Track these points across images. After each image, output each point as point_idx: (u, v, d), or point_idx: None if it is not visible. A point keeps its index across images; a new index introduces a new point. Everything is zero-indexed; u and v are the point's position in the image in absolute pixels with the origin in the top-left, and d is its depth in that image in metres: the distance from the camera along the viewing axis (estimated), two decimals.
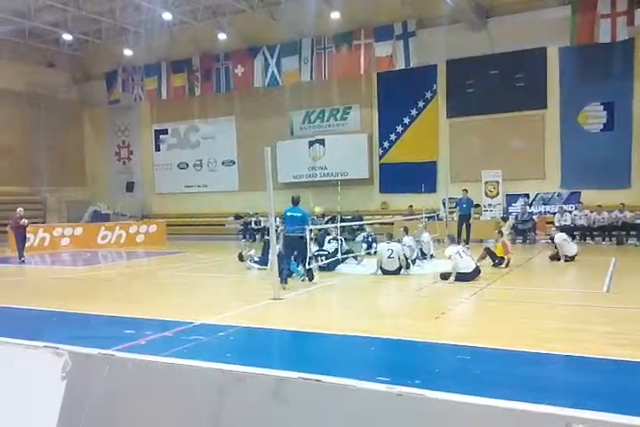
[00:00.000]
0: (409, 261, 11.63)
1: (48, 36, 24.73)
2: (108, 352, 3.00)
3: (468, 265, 10.21)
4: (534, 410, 2.17)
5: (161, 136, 27.22)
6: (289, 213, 10.78)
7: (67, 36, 23.98)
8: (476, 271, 10.22)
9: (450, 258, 10.22)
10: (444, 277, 10.22)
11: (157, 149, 27.37)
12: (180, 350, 5.82)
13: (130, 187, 27.66)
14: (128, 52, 24.29)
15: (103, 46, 25.58)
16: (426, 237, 13.29)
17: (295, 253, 10.76)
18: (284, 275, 10.09)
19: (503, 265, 11.56)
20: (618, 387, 4.60)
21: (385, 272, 11.28)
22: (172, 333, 6.70)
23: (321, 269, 11.78)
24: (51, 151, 26.14)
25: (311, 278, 10.60)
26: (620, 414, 2.03)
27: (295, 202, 10.97)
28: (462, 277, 10.03)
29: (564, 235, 12.84)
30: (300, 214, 10.73)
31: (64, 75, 27.48)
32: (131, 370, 2.88)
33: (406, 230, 12.99)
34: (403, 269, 11.33)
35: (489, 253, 11.86)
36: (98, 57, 26.74)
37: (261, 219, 20.83)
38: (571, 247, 12.69)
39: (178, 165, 26.81)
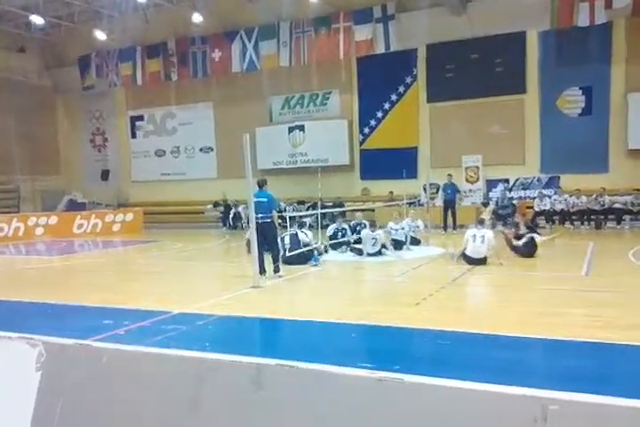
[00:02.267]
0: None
1: (18, 19, 24.00)
2: (83, 342, 2.93)
3: (475, 251, 10.26)
4: (510, 392, 2.17)
5: (137, 123, 26.75)
6: (254, 199, 9.62)
7: (38, 20, 23.27)
8: (482, 260, 10.22)
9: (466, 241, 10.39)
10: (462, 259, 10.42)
11: (133, 135, 26.91)
12: (158, 339, 5.75)
13: (105, 175, 27.20)
14: (102, 37, 23.71)
15: (76, 30, 24.96)
16: (420, 223, 13.30)
17: (265, 240, 9.96)
18: (275, 262, 9.92)
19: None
20: (593, 368, 4.66)
21: (368, 254, 11.67)
22: (150, 322, 6.62)
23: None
24: (23, 139, 25.53)
25: (277, 270, 9.90)
26: (596, 395, 2.04)
27: (260, 185, 10.11)
28: (465, 258, 10.33)
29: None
30: (265, 199, 9.91)
31: (35, 60, 26.79)
32: (107, 360, 2.81)
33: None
34: (384, 250, 11.61)
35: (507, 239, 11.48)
36: (70, 41, 26.08)
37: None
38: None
39: (155, 153, 26.42)
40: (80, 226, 20.72)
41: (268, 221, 9.86)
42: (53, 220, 20.66)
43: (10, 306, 8.19)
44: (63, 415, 2.78)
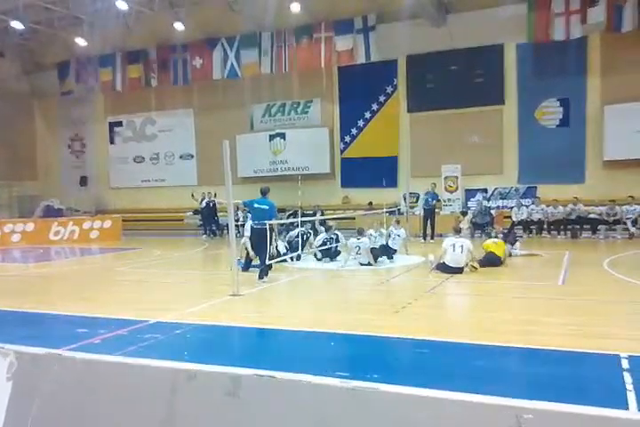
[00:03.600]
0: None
1: None
2: (55, 352, 2.89)
3: (454, 260, 10.23)
4: (485, 402, 2.19)
5: (115, 129, 26.54)
6: (256, 205, 10.33)
7: (17, 25, 23.05)
8: (460, 269, 10.24)
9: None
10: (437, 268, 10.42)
11: (112, 141, 26.67)
12: (135, 348, 5.68)
13: (83, 181, 26.89)
14: (82, 42, 23.55)
15: (55, 36, 24.74)
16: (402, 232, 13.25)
17: (259, 245, 10.34)
18: (263, 269, 10.09)
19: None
20: (567, 377, 4.71)
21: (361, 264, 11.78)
22: (127, 331, 6.54)
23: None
24: (0, 144, 25.19)
25: (264, 275, 10.05)
26: (570, 404, 2.06)
27: (264, 193, 10.53)
28: (442, 267, 10.27)
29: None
30: (267, 206, 10.32)
31: (14, 64, 26.45)
32: (79, 370, 2.78)
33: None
34: (372, 261, 11.64)
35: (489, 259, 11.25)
36: (50, 47, 25.85)
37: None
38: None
39: (134, 159, 26.20)
40: (57, 233, 20.41)
41: (266, 227, 10.09)
42: (30, 226, 20.35)
43: None
44: (34, 426, 2.73)
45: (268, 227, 10.12)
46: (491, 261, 10.89)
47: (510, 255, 12.17)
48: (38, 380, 2.86)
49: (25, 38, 25.75)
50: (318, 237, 13.10)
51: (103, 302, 8.67)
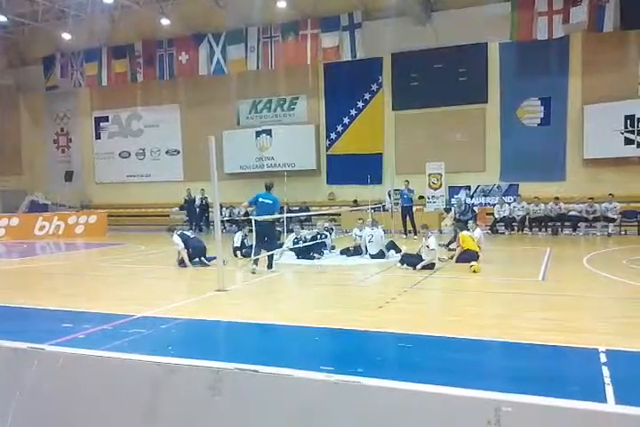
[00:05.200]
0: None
1: None
2: (36, 346, 2.90)
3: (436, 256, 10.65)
4: (465, 395, 2.24)
5: (101, 124, 26.37)
6: (260, 199, 10.64)
7: (1, 18, 22.78)
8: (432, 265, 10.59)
9: (433, 250, 10.47)
10: (426, 267, 10.46)
11: (98, 136, 26.52)
12: (119, 343, 5.69)
13: (69, 176, 26.66)
14: (67, 37, 23.33)
15: (40, 29, 24.51)
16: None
17: (265, 239, 10.70)
18: (269, 259, 10.63)
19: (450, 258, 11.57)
20: (546, 371, 4.80)
21: (371, 256, 12.15)
22: (111, 326, 6.54)
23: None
24: None
25: (270, 266, 10.66)
26: (548, 397, 2.11)
27: (268, 188, 10.87)
28: (429, 265, 10.49)
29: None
30: (271, 201, 10.64)
31: None
32: (61, 364, 2.80)
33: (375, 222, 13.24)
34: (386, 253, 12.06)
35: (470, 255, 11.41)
36: (35, 41, 25.60)
37: (243, 209, 20.09)
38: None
39: (119, 154, 26.06)
40: (42, 228, 20.27)
41: (270, 221, 10.58)
42: (14, 221, 20.21)
43: None
44: (15, 420, 2.74)
45: (272, 220, 10.73)
46: (471, 257, 11.02)
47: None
48: (19, 374, 2.87)
49: (9, 32, 25.47)
50: (290, 237, 13.14)
51: (88, 297, 8.66)
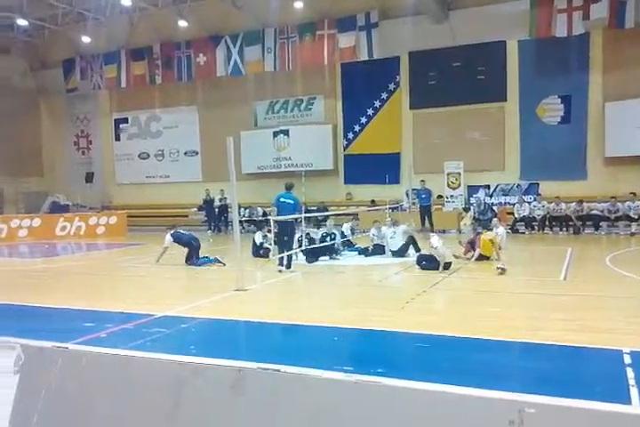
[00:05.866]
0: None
1: (2, 21, 23.80)
2: (61, 345, 2.94)
3: (449, 256, 10.47)
4: (488, 396, 2.22)
5: (121, 125, 26.63)
6: (282, 200, 10.76)
7: (22, 22, 23.17)
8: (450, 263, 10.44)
9: (436, 248, 10.31)
10: (425, 267, 10.38)
11: (117, 138, 26.79)
12: (141, 342, 5.75)
13: (89, 177, 27.02)
14: (86, 39, 23.63)
15: (60, 33, 24.83)
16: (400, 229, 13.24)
17: (285, 239, 10.76)
18: (288, 260, 10.61)
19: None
20: (569, 372, 4.74)
21: (392, 253, 12.29)
22: (133, 325, 6.61)
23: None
24: (7, 140, 25.28)
25: (289, 266, 10.66)
26: (572, 399, 2.08)
27: (288, 188, 10.95)
28: (442, 265, 10.25)
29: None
30: (292, 201, 10.74)
31: (20, 62, 26.56)
32: (85, 363, 2.83)
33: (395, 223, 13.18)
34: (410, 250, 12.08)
35: (472, 247, 11.67)
36: (55, 44, 25.96)
37: (260, 209, 20.25)
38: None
39: (139, 155, 26.31)
40: (63, 228, 20.55)
41: (291, 221, 10.62)
42: (37, 222, 20.50)
43: None
44: (41, 418, 2.78)
45: (293, 220, 10.71)
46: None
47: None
48: (45, 373, 2.91)
49: (30, 35, 25.85)
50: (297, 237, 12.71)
51: (109, 297, 8.75)
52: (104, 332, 6.28)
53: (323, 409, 2.49)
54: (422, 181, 18.21)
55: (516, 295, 8.15)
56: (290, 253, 10.83)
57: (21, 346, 2.95)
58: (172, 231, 12.27)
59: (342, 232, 13.65)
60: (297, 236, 12.44)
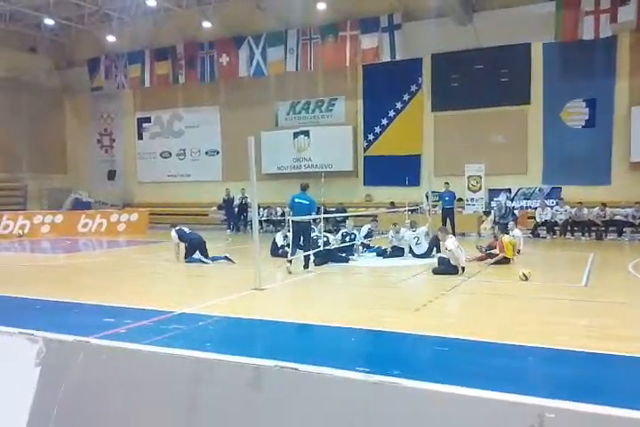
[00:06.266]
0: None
1: (30, 20, 24.27)
2: (82, 339, 2.97)
3: (464, 259, 10.32)
4: (507, 399, 2.19)
5: (144, 124, 26.92)
6: (297, 200, 10.82)
7: (49, 21, 23.57)
8: (465, 267, 10.29)
9: (450, 251, 10.18)
10: (437, 272, 10.20)
11: (140, 137, 27.09)
12: (159, 339, 5.79)
13: (111, 175, 27.35)
14: (111, 39, 23.96)
15: (86, 32, 25.19)
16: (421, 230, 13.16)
17: (302, 239, 10.82)
18: (306, 260, 10.67)
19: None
20: (591, 379, 4.68)
21: (415, 255, 12.32)
22: (151, 322, 6.67)
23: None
24: (32, 138, 25.74)
25: (306, 266, 10.68)
26: (593, 404, 2.05)
27: (304, 189, 11.00)
28: (455, 269, 10.10)
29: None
30: (307, 202, 10.78)
31: (46, 60, 26.99)
32: (105, 357, 2.86)
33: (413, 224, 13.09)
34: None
35: (489, 255, 11.66)
36: (80, 43, 26.34)
37: (280, 209, 20.40)
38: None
39: (160, 154, 26.56)
40: (85, 225, 20.85)
41: (307, 221, 10.64)
42: (59, 218, 20.82)
43: (12, 302, 8.25)
44: (61, 411, 2.81)
45: (309, 220, 10.77)
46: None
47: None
48: (65, 366, 2.94)
49: (56, 34, 26.28)
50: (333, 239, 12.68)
51: (129, 293, 8.84)
52: (123, 328, 6.35)
53: (340, 409, 2.48)
54: (446, 183, 18.10)
55: (535, 300, 8.05)
56: (307, 253, 10.83)
57: (43, 339, 2.98)
58: (176, 228, 12.62)
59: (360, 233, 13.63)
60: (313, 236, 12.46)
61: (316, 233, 12.22)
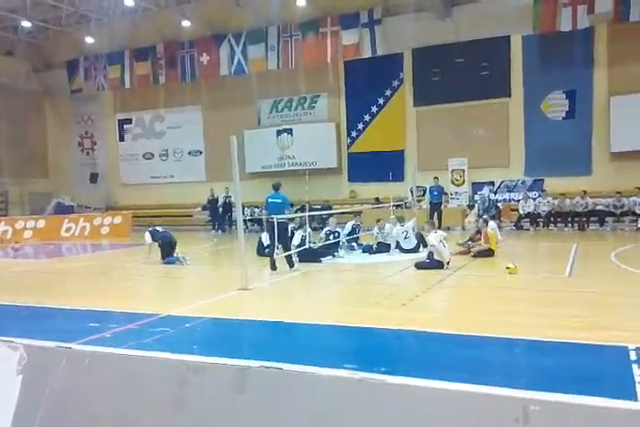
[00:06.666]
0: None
1: (6, 22, 23.97)
2: (64, 345, 2.94)
3: (447, 254, 10.33)
4: (492, 393, 2.20)
5: (125, 126, 26.71)
6: (270, 200, 10.83)
7: (25, 23, 23.27)
8: (449, 262, 10.30)
9: (433, 246, 10.20)
10: (420, 266, 10.22)
11: (122, 138, 26.88)
12: (146, 342, 5.75)
13: (94, 178, 27.11)
14: (90, 40, 23.72)
15: (64, 34, 24.92)
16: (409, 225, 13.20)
17: (277, 238, 10.68)
18: (289, 259, 10.60)
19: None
20: (574, 369, 4.71)
21: (403, 251, 12.34)
22: (137, 325, 6.61)
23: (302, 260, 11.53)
24: (12, 142, 25.42)
25: (291, 265, 10.64)
26: (577, 396, 2.07)
27: (276, 188, 10.96)
28: (438, 264, 10.11)
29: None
30: (280, 200, 10.79)
31: (24, 63, 26.67)
32: (89, 363, 2.83)
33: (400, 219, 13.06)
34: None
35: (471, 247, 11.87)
36: (58, 45, 26.04)
37: (256, 210, 20.51)
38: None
39: (143, 156, 26.37)
40: (68, 229, 20.62)
41: (282, 220, 10.57)
42: (41, 223, 20.56)
43: None
44: (44, 418, 2.78)
45: (285, 219, 10.66)
46: (489, 255, 11.33)
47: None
48: (48, 373, 2.91)
49: (34, 37, 25.95)
50: (296, 236, 12.33)
51: (114, 297, 8.77)
52: (108, 332, 6.29)
53: (327, 407, 2.48)
54: (436, 178, 18.26)
55: (520, 292, 8.12)
56: (289, 252, 10.77)
57: (24, 346, 2.95)
58: (149, 229, 12.92)
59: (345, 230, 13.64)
60: (298, 235, 12.39)
61: (300, 231, 12.16)
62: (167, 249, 12.41)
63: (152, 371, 2.72)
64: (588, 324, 5.94)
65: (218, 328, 6.76)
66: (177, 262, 12.10)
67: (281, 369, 2.53)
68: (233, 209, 20.77)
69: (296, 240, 11.90)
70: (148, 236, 12.73)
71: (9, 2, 21.70)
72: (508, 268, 9.46)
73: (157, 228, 13.11)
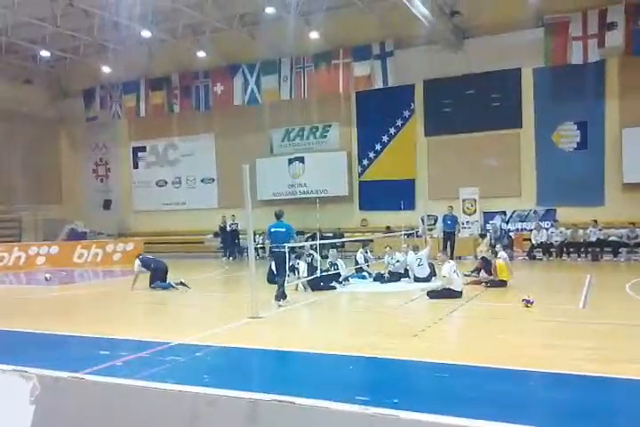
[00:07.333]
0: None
1: (25, 52, 24.60)
2: (77, 375, 2.95)
3: (459, 284, 10.35)
4: None
5: (139, 153, 27.07)
6: (272, 229, 10.47)
7: (44, 53, 23.87)
8: (462, 291, 10.34)
9: (445, 277, 10.30)
10: (432, 296, 10.19)
11: (135, 166, 27.21)
12: (156, 371, 5.73)
13: (107, 205, 27.38)
14: (106, 70, 24.24)
15: (81, 63, 25.50)
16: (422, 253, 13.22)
17: (276, 268, 10.60)
18: (280, 290, 10.07)
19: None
20: (592, 403, 4.63)
21: (416, 279, 12.32)
22: (148, 353, 6.60)
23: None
24: (27, 169, 25.81)
25: (284, 297, 10.07)
26: None
27: (278, 217, 10.65)
28: (450, 293, 10.10)
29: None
30: (284, 229, 10.44)
31: (41, 91, 27.26)
32: (101, 394, 2.83)
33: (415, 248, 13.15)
34: (433, 277, 12.10)
35: (485, 264, 12.06)
36: (76, 74, 26.63)
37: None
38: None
39: (156, 183, 26.64)
40: (81, 255, 20.75)
41: (283, 250, 10.21)
42: (54, 249, 20.70)
43: (6, 336, 8.14)
44: None
45: (286, 250, 10.26)
46: (501, 285, 11.31)
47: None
48: (61, 403, 2.90)
49: (52, 66, 26.59)
50: (302, 268, 12.28)
51: (125, 324, 8.77)
52: (119, 360, 6.28)
53: None
54: (450, 206, 18.26)
55: (533, 323, 8.02)
56: (282, 284, 10.21)
57: (37, 376, 2.95)
58: (140, 257, 13.18)
59: (356, 260, 13.74)
60: (304, 264, 12.31)
61: (301, 262, 12.21)
62: (159, 274, 12.70)
63: (165, 403, 2.72)
64: (604, 356, 5.86)
65: (228, 358, 6.72)
66: (170, 288, 12.37)
67: (293, 403, 2.51)
68: (240, 236, 20.85)
69: (302, 271, 11.85)
70: (137, 263, 12.91)
71: (29, 33, 22.32)
72: (524, 300, 9.13)
73: (148, 255, 13.45)
